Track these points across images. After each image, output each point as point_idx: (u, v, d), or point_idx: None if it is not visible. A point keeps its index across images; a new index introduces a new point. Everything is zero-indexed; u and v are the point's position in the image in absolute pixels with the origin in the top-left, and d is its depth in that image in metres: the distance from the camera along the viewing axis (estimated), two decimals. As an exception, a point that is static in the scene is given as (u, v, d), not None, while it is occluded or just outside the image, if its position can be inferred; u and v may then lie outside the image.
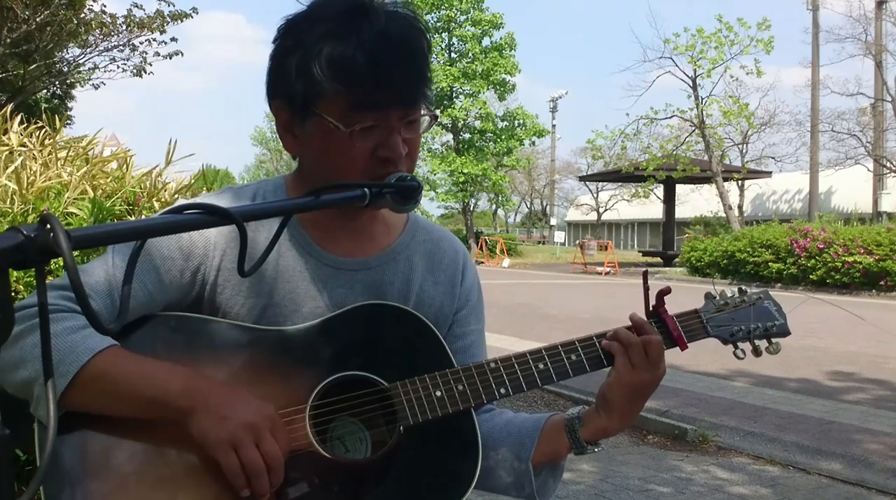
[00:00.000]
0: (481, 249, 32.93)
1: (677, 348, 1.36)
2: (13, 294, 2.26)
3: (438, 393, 1.24)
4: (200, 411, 1.11)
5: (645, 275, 1.39)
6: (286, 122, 1.26)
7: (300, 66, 1.19)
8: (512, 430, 1.37)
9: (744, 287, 1.46)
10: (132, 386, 1.12)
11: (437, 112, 1.28)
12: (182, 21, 14.87)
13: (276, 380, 1.20)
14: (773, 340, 1.43)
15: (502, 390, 1.28)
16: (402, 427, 1.22)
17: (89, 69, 16.02)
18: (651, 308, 1.37)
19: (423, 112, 1.25)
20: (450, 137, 37.22)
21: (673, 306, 1.40)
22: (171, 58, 15.38)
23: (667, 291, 1.37)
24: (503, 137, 35.60)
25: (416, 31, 1.22)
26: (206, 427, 1.11)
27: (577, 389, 6.60)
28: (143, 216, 2.87)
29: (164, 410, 1.12)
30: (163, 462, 1.15)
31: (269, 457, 1.11)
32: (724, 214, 29.41)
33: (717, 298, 1.44)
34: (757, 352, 1.42)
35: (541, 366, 1.30)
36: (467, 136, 36.42)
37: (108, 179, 3.11)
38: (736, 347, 1.42)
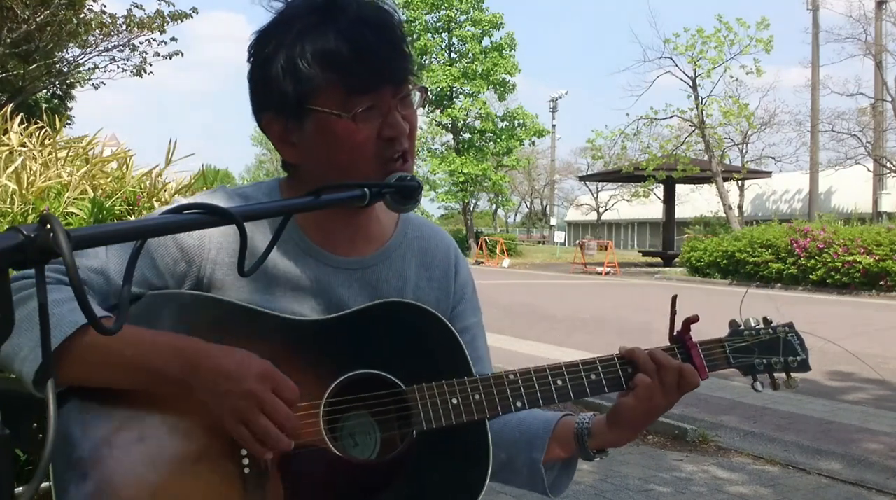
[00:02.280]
0: (481, 249, 32.92)
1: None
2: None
3: (455, 401, 1.24)
4: (197, 384, 1.10)
5: (674, 301, 1.37)
6: (281, 133, 1.26)
7: (286, 67, 1.20)
8: (524, 429, 1.39)
9: (769, 318, 1.44)
10: (122, 356, 1.11)
11: (425, 85, 1.30)
12: (182, 21, 14.87)
13: (292, 373, 1.18)
14: (793, 374, 1.41)
15: (518, 404, 1.28)
16: (414, 432, 1.22)
17: (89, 69, 16.03)
18: (676, 333, 1.36)
19: (411, 87, 1.27)
20: (450, 137, 37.24)
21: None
22: (171, 58, 15.39)
23: (695, 319, 1.35)
24: (503, 137, 35.60)
25: (386, 13, 1.25)
26: (207, 401, 1.11)
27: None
28: (143, 216, 2.87)
29: (160, 378, 1.11)
30: (176, 445, 1.14)
31: (277, 418, 1.10)
32: (724, 214, 29.41)
33: (742, 327, 1.42)
34: (775, 386, 1.40)
35: (559, 383, 1.30)
36: (467, 136, 36.43)
37: (108, 179, 3.11)
38: (755, 379, 1.40)
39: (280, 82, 1.20)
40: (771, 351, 1.40)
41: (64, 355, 1.09)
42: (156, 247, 1.22)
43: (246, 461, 1.15)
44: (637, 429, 1.35)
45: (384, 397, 1.23)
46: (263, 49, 1.24)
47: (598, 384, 1.32)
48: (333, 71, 1.18)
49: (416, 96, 1.28)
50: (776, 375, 1.41)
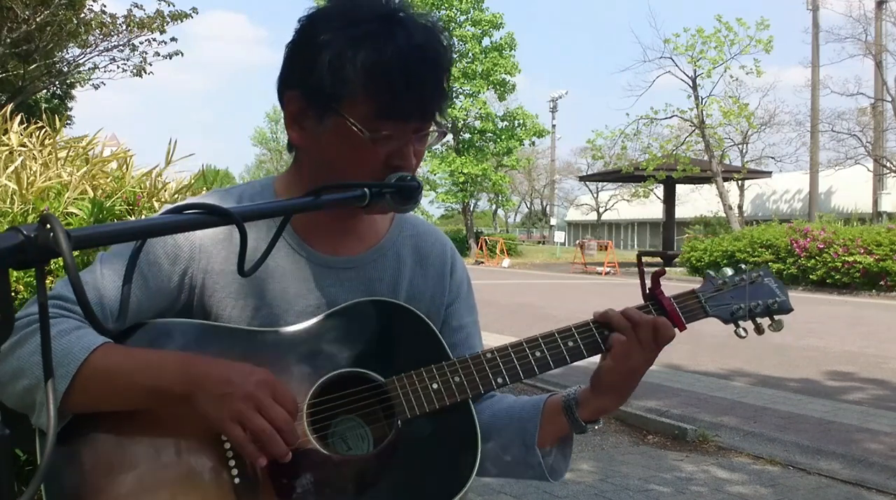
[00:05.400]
0: (481, 249, 32.92)
1: (676, 330, 1.34)
2: (13, 294, 2.26)
3: (435, 386, 1.24)
4: (199, 394, 1.11)
5: (639, 258, 1.38)
6: (296, 113, 1.25)
7: (333, 63, 1.18)
8: (514, 414, 1.38)
9: (742, 266, 1.44)
10: (130, 379, 1.12)
11: (447, 128, 1.29)
12: (182, 21, 14.88)
13: None
14: (776, 317, 1.40)
15: (499, 380, 1.28)
16: (399, 421, 1.22)
17: (89, 69, 16.04)
18: (648, 291, 1.36)
19: (433, 128, 1.26)
20: (450, 137, 37.22)
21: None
22: (171, 58, 15.40)
23: (661, 273, 1.36)
24: (503, 137, 35.61)
25: (443, 47, 1.24)
26: (207, 409, 1.11)
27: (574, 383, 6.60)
28: (144, 216, 2.87)
29: (164, 397, 1.12)
30: (167, 458, 1.15)
31: (275, 420, 1.11)
32: (724, 214, 29.42)
33: (716, 277, 1.41)
34: (759, 330, 1.39)
35: (537, 354, 1.30)
36: (467, 136, 36.43)
37: (108, 179, 3.11)
38: (737, 326, 1.39)
39: (321, 73, 1.19)
40: (748, 296, 1.39)
41: (75, 382, 1.09)
42: (148, 267, 1.23)
43: (235, 472, 1.15)
44: (622, 392, 1.33)
45: (364, 392, 1.24)
46: (318, 32, 1.21)
47: (577, 350, 1.31)
48: (374, 87, 1.17)
49: (434, 135, 1.27)
50: (759, 319, 1.40)
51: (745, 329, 1.39)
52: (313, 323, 1.26)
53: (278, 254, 1.29)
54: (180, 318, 1.25)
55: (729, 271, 1.42)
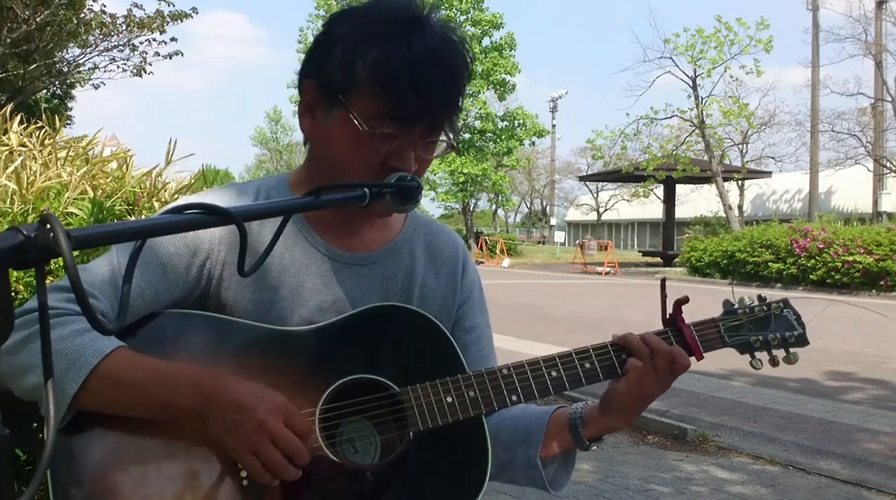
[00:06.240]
0: (481, 249, 32.92)
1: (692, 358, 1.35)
2: (13, 294, 2.26)
3: (449, 399, 1.24)
4: (212, 417, 1.11)
5: (663, 283, 1.37)
6: (311, 103, 1.27)
7: (345, 56, 1.21)
8: (519, 425, 1.39)
9: (763, 295, 1.44)
10: (142, 390, 1.12)
11: (455, 142, 1.31)
12: (182, 21, 14.87)
13: (287, 382, 1.20)
14: (791, 349, 1.41)
15: (514, 398, 1.28)
16: (411, 433, 1.22)
17: (89, 69, 16.03)
18: (668, 316, 1.36)
19: (442, 137, 1.26)
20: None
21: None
22: (171, 58, 15.39)
23: (685, 300, 1.36)
24: (503, 137, 35.60)
25: (462, 59, 1.24)
26: (221, 435, 1.12)
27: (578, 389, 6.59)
28: (143, 216, 2.87)
29: (175, 412, 1.12)
30: (176, 456, 1.15)
31: (288, 449, 1.11)
32: (724, 214, 29.41)
33: (736, 306, 1.42)
34: (774, 362, 1.40)
35: (553, 374, 1.30)
36: (467, 136, 36.41)
37: (108, 179, 3.11)
38: (753, 357, 1.41)
39: (334, 64, 1.22)
40: (766, 328, 1.40)
41: (87, 385, 1.09)
42: (168, 257, 1.23)
43: (244, 474, 1.15)
44: (631, 415, 1.34)
45: (378, 400, 1.23)
46: (338, 26, 1.24)
47: (594, 372, 1.32)
48: (380, 86, 1.19)
49: (442, 146, 1.28)
50: (774, 351, 1.41)
51: (759, 361, 1.40)
52: (331, 324, 1.26)
53: (296, 249, 1.30)
54: (196, 309, 1.25)
55: (748, 300, 1.42)
